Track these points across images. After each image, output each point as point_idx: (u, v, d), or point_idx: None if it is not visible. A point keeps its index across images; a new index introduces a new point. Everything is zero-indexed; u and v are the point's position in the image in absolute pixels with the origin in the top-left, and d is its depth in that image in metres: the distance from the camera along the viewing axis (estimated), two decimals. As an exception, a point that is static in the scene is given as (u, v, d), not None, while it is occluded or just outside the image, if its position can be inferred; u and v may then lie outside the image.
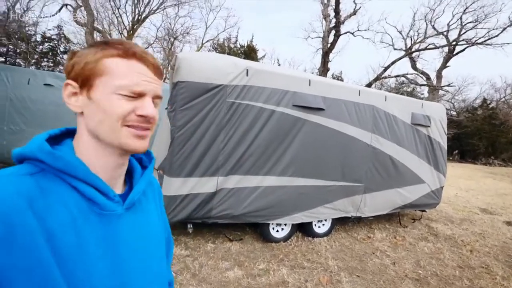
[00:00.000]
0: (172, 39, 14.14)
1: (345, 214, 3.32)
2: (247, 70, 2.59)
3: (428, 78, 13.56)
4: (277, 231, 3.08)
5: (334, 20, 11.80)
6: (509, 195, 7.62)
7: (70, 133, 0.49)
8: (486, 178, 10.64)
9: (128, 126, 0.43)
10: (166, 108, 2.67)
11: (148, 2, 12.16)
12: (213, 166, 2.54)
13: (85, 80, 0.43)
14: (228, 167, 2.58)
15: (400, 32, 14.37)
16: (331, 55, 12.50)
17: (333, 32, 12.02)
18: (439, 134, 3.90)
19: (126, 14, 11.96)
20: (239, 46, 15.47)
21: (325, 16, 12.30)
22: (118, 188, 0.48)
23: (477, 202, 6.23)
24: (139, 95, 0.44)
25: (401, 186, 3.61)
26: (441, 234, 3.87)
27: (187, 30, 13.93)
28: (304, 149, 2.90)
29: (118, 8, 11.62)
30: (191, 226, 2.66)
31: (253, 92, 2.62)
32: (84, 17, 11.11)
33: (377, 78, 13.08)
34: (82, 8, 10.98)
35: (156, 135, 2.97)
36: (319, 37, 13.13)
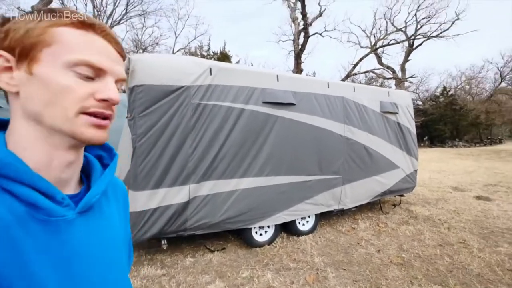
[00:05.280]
0: (141, 51, 13.64)
1: (327, 208, 3.27)
2: (210, 69, 2.46)
3: (393, 71, 14.42)
4: (261, 234, 2.95)
5: (302, 23, 12.15)
6: (474, 172, 8.19)
7: (1, 126, 0.39)
8: (454, 159, 11.41)
9: (87, 113, 0.35)
10: (127, 117, 2.46)
11: (111, 14, 11.62)
12: (183, 173, 2.36)
13: (25, 51, 0.33)
14: (199, 173, 2.42)
15: (364, 31, 15.22)
16: (303, 56, 12.84)
17: (302, 34, 12.35)
18: (407, 120, 4.04)
19: None
20: (212, 53, 15.35)
21: (294, 19, 12.64)
22: (70, 189, 0.39)
23: (448, 182, 6.59)
24: (99, 75, 0.36)
25: (377, 173, 3.66)
26: (420, 216, 3.98)
27: (156, 40, 13.51)
28: (279, 146, 2.82)
29: None
30: (165, 242, 2.44)
31: (219, 92, 2.50)
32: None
33: (348, 76, 13.61)
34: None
35: (118, 148, 2.72)
36: (289, 39, 13.43)
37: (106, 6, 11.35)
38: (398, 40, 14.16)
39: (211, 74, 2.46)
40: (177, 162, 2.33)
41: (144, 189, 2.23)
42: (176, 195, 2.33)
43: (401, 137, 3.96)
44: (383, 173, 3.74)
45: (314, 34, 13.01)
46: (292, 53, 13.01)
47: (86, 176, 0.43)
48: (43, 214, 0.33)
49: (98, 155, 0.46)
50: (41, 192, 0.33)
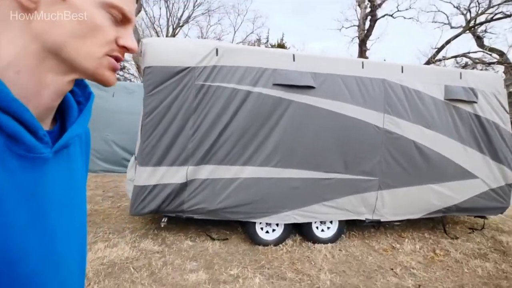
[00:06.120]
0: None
1: (356, 216, 2.67)
2: (217, 50, 2.38)
3: (501, 54, 10.67)
4: (267, 232, 2.66)
5: (369, 5, 10.78)
6: None
7: None
8: None
9: (109, 55, 0.36)
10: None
11: (181, 16, 13.45)
12: (183, 154, 2.36)
13: None
14: (198, 156, 2.36)
15: (457, 7, 11.87)
16: (368, 43, 11.33)
17: (369, 18, 10.92)
18: (495, 112, 2.89)
19: (160, 28, 13.46)
20: (270, 46, 15.54)
21: (360, 3, 11.37)
22: (46, 124, 0.37)
23: None
24: (123, 23, 0.36)
25: (437, 181, 2.75)
26: (512, 251, 2.76)
27: (217, 36, 14.71)
28: (291, 135, 2.48)
29: (153, 24, 13.23)
30: (165, 220, 2.50)
31: (224, 73, 2.39)
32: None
33: (429, 62, 11.07)
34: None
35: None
36: (353, 25, 12.08)
37: (178, 9, 13.26)
38: (509, 13, 10.30)
39: (217, 54, 2.38)
40: (178, 143, 2.35)
41: (147, 165, 2.34)
42: (174, 175, 2.34)
43: (482, 135, 2.86)
44: (447, 182, 2.78)
45: (383, 16, 11.24)
46: (356, 40, 11.61)
47: (58, 113, 0.40)
48: (22, 149, 0.31)
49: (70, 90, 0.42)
50: (23, 125, 0.30)
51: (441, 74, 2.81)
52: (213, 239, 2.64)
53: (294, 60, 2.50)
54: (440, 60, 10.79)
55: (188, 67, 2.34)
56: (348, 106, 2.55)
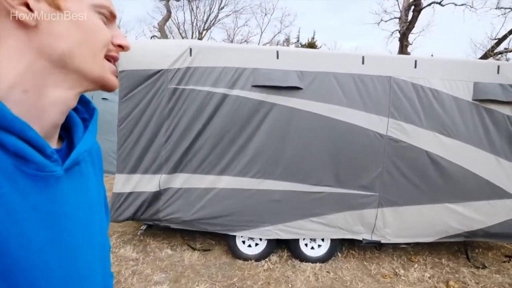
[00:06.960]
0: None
1: (350, 235, 2.34)
2: (191, 49, 2.18)
3: None
4: (249, 246, 2.47)
5: (413, -7, 9.35)
6: None
7: None
8: None
9: (107, 58, 0.36)
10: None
11: (207, 19, 13.33)
12: (156, 162, 2.26)
13: None
14: (171, 164, 2.24)
15: None
16: (411, 37, 9.94)
17: (412, 7, 9.49)
18: (547, 115, 2.23)
19: (185, 33, 13.49)
20: (299, 46, 14.74)
21: (402, -9, 9.92)
22: (53, 142, 0.37)
23: None
24: (111, 21, 0.37)
25: (456, 200, 2.25)
26: (559, 293, 2.18)
27: (244, 38, 14.31)
28: (273, 142, 2.21)
29: (178, 29, 13.34)
30: (143, 228, 2.46)
31: (198, 75, 2.19)
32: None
33: (486, 55, 9.29)
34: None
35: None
36: (394, 18, 10.61)
37: (204, 13, 13.11)
38: None
39: (191, 55, 2.19)
40: (151, 150, 2.26)
41: (122, 173, 2.30)
42: (148, 183, 2.27)
43: (525, 145, 2.24)
44: (471, 202, 2.27)
45: (429, 4, 9.65)
46: (396, 34, 10.20)
47: (64, 131, 0.40)
48: (32, 169, 0.30)
49: (74, 108, 0.42)
50: (29, 143, 0.30)
51: (470, 68, 2.23)
52: (194, 249, 2.55)
53: (277, 57, 2.19)
54: (501, 53, 8.94)
55: (161, 70, 2.19)
56: (342, 109, 2.18)
